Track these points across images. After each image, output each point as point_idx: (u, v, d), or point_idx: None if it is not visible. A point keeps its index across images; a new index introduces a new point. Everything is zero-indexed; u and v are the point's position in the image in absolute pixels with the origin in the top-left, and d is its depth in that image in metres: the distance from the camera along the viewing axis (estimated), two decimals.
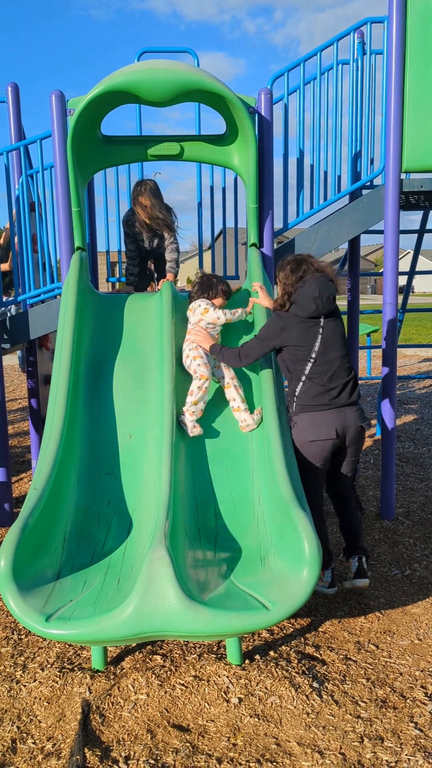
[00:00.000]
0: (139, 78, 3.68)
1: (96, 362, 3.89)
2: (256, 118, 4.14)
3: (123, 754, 2.33)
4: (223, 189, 5.06)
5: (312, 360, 3.28)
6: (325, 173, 4.66)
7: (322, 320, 3.29)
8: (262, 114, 4.16)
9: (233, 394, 3.60)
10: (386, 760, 2.29)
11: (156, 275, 4.97)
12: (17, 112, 4.93)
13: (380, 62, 4.49)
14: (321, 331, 3.28)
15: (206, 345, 3.59)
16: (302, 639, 3.08)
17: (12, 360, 12.02)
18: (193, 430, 3.49)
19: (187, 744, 2.38)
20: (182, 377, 3.78)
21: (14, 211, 4.76)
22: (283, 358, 3.42)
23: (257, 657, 2.91)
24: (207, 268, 5.48)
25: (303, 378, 3.31)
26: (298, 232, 4.81)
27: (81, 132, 3.93)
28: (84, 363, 3.84)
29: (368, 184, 4.86)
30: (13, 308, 5.04)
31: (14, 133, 4.92)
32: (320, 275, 3.33)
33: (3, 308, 4.93)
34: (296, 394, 3.33)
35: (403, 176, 4.35)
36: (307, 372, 3.29)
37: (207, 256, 5.65)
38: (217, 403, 3.73)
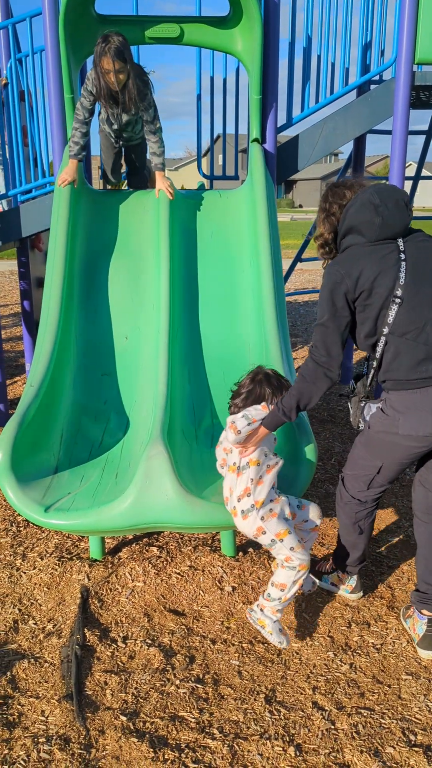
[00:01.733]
0: None
1: (91, 262, 3.79)
2: None
3: (121, 635, 2.44)
4: (224, 80, 4.78)
5: (397, 301, 2.16)
6: (333, 65, 4.39)
7: (400, 242, 2.23)
8: None
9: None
10: (372, 643, 2.41)
11: (129, 169, 4.33)
12: None
13: None
14: (403, 256, 2.20)
15: (264, 432, 2.33)
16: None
17: (2, 266, 11.77)
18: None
19: (183, 626, 2.49)
20: (179, 280, 3.70)
21: (2, 99, 4.48)
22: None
23: (250, 550, 3.00)
24: (205, 168, 5.26)
25: (385, 334, 2.20)
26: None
27: (74, 9, 3.64)
28: (78, 262, 3.74)
29: (377, 78, 4.61)
30: (4, 203, 4.85)
31: (1, 10, 4.56)
32: (374, 185, 2.32)
33: None
34: (377, 362, 2.27)
35: (415, 68, 4.10)
36: (390, 322, 2.18)
37: (204, 162, 5.39)
38: (215, 309, 3.67)
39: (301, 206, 52.24)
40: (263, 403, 2.37)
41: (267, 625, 2.30)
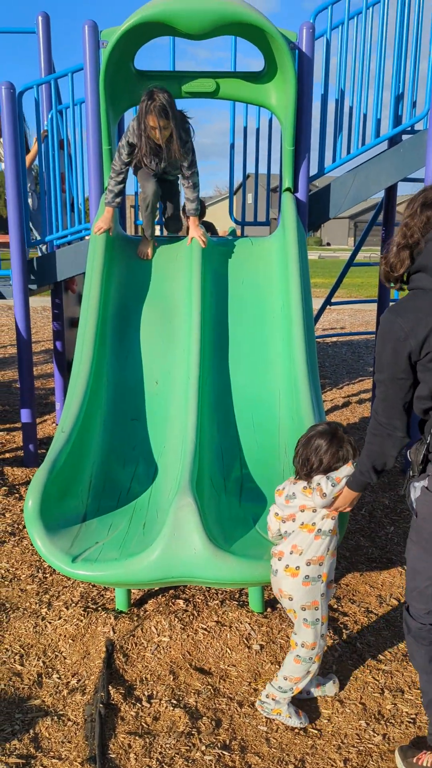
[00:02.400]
0: (177, 8, 3.49)
1: (123, 306, 3.84)
2: (297, 54, 3.94)
3: (146, 693, 2.38)
4: (257, 130, 4.87)
5: None
6: (365, 116, 4.45)
7: None
8: (303, 50, 3.95)
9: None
10: (406, 712, 2.32)
11: (168, 210, 4.35)
12: (47, 44, 4.74)
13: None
14: None
15: (351, 495, 2.17)
16: None
17: (35, 302, 12.01)
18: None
19: (209, 686, 2.43)
20: (210, 325, 3.72)
21: (43, 148, 4.63)
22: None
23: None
24: (236, 213, 5.34)
25: None
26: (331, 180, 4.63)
27: (114, 65, 3.77)
28: (111, 306, 3.79)
29: (409, 129, 4.65)
30: (43, 248, 4.96)
31: (44, 65, 4.75)
32: None
33: (30, 249, 4.85)
34: (428, 433, 1.95)
35: None
36: None
37: (227, 203, 5.45)
38: (246, 351, 3.68)
39: (329, 244, 52.60)
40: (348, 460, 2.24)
41: (283, 712, 2.23)
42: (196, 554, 2.40)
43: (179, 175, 4.03)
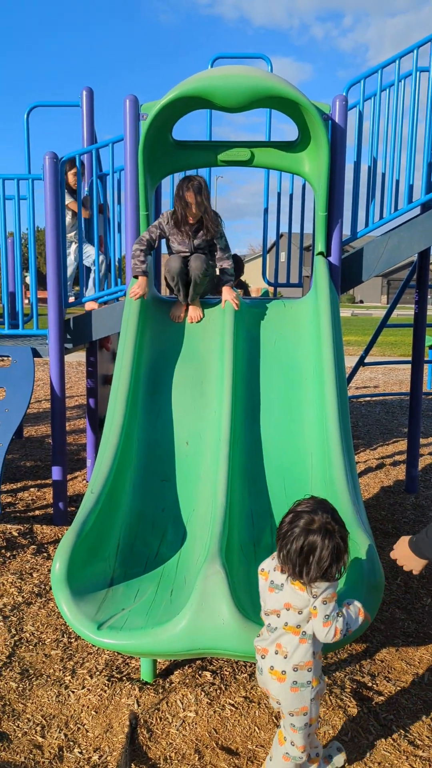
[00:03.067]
0: (215, 84, 3.65)
1: (156, 367, 3.88)
2: (330, 125, 4.05)
3: None
4: (291, 195, 4.99)
5: None
6: (397, 182, 4.52)
7: None
8: (336, 121, 4.07)
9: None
10: None
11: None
12: (90, 116, 4.98)
13: None
14: None
15: (421, 563, 2.20)
16: (357, 666, 2.97)
17: (71, 357, 12.24)
18: None
19: None
20: (241, 387, 3.73)
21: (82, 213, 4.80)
22: None
23: None
24: (269, 275, 5.41)
25: None
26: (366, 240, 4.68)
27: (153, 136, 3.93)
28: (144, 367, 3.83)
29: None
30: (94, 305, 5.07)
31: (87, 136, 4.97)
32: None
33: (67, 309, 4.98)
34: None
35: None
36: None
37: (261, 260, 5.55)
38: (277, 413, 3.65)
39: (362, 302, 52.85)
40: (359, 607, 2.09)
41: None
42: (224, 625, 2.32)
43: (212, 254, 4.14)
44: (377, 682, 2.85)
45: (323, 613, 1.98)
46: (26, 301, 6.35)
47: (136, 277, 3.99)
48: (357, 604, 2.11)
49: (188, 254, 4.06)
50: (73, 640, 3.14)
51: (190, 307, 4.10)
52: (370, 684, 2.82)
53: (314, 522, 1.99)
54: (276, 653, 2.06)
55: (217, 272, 4.20)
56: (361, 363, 6.39)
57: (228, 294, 3.99)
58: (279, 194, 4.97)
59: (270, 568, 2.12)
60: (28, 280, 6.39)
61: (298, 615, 2.02)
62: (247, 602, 2.53)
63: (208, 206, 3.91)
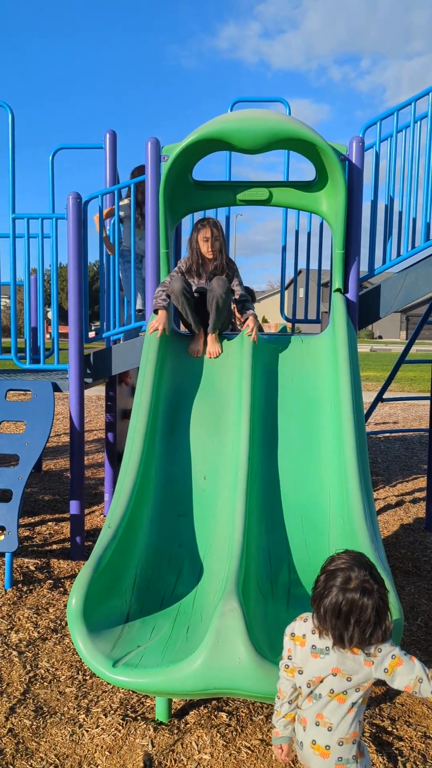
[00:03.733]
0: (234, 126, 3.75)
1: (174, 402, 3.91)
2: (347, 165, 4.13)
3: None
4: (308, 233, 5.06)
5: None
6: (414, 220, 4.58)
7: None
8: (353, 162, 4.15)
9: None
10: None
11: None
12: (113, 158, 5.13)
13: None
14: None
15: None
16: (377, 710, 2.90)
17: (90, 391, 12.34)
18: None
19: None
20: (259, 422, 3.74)
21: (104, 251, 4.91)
22: None
23: None
24: (287, 311, 5.45)
25: None
26: (384, 277, 4.72)
27: (173, 177, 4.04)
28: (163, 402, 3.86)
29: None
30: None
31: (109, 177, 5.12)
32: None
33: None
34: None
35: None
36: None
37: (279, 296, 5.61)
38: (295, 449, 3.65)
39: (380, 337, 52.78)
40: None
41: None
42: (240, 665, 2.30)
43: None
44: (397, 726, 2.77)
45: (419, 674, 1.85)
46: (47, 335, 6.45)
47: (156, 312, 4.04)
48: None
49: (204, 283, 4.12)
50: (88, 677, 3.11)
51: (209, 342, 4.14)
52: (390, 729, 2.75)
53: (351, 581, 1.83)
54: (317, 725, 1.88)
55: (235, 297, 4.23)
56: (379, 399, 6.37)
57: (252, 322, 4.05)
58: (297, 232, 5.06)
59: (304, 632, 1.93)
60: (50, 315, 6.51)
61: (346, 681, 1.84)
62: (263, 641, 2.50)
63: (223, 242, 4.06)
